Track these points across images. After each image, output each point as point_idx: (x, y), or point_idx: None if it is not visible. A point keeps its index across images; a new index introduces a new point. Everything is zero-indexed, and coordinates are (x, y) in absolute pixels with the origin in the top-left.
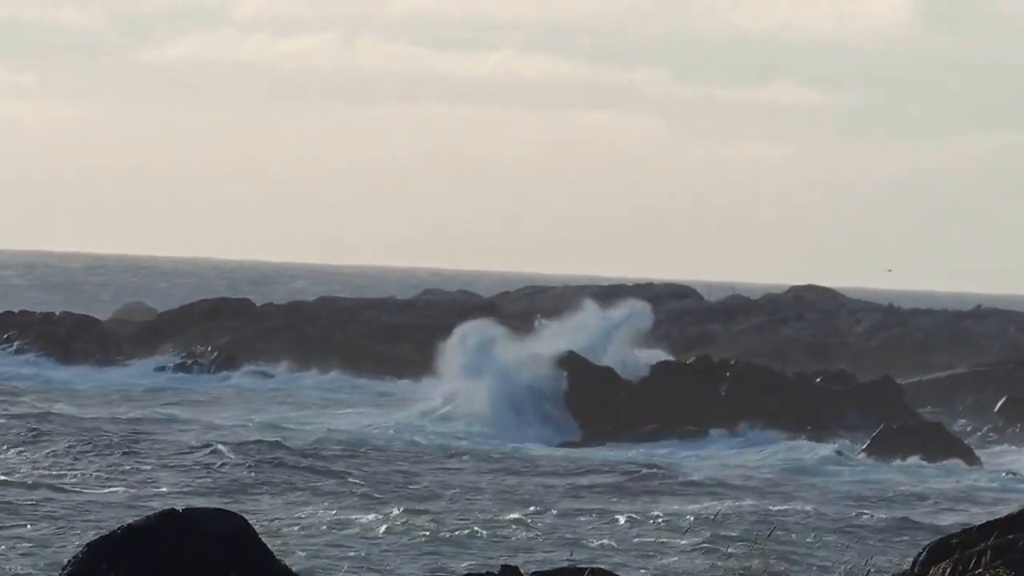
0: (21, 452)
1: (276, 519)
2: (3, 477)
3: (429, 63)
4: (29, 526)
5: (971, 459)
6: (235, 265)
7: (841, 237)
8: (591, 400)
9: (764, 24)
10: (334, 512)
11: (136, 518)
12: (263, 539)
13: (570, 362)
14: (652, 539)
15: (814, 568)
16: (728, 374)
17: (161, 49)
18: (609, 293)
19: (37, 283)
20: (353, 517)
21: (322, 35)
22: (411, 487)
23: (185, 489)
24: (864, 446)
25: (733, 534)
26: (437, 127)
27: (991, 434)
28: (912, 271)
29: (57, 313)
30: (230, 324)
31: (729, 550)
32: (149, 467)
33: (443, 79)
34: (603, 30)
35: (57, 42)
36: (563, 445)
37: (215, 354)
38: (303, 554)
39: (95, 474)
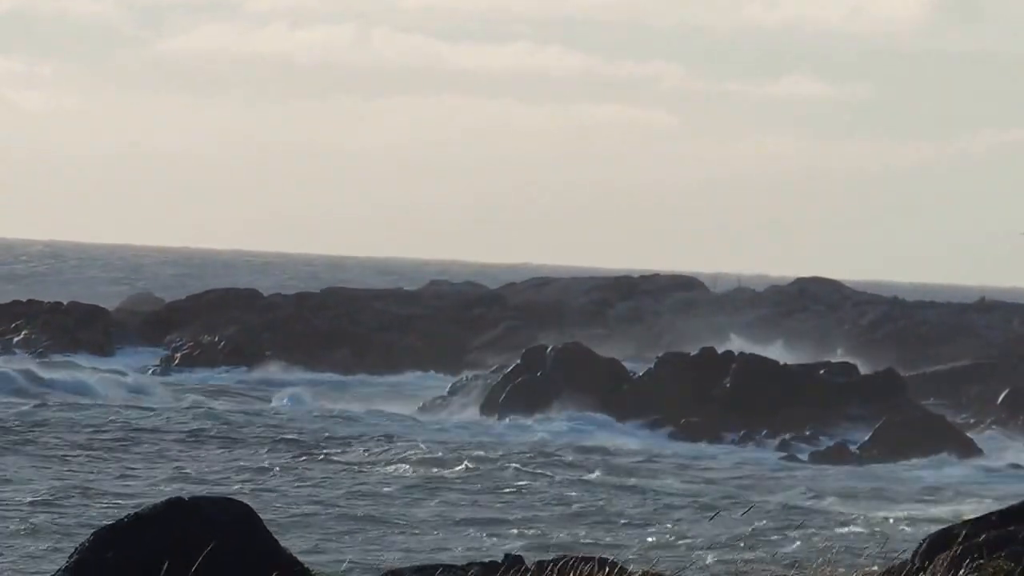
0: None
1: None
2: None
3: (443, 56)
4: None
5: (973, 451)
6: (241, 256)
7: (849, 230)
8: (598, 390)
9: (776, 17)
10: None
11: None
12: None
13: (575, 353)
14: (652, 530)
15: (812, 561)
16: (732, 366)
17: (177, 41)
18: (616, 285)
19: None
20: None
21: (337, 27)
22: (447, 478)
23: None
24: (866, 438)
25: (735, 530)
26: (450, 119)
27: (994, 426)
28: (918, 264)
29: (65, 303)
30: (237, 314)
31: (740, 544)
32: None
33: (457, 72)
34: (615, 23)
35: (73, 34)
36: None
37: (222, 344)
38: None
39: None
